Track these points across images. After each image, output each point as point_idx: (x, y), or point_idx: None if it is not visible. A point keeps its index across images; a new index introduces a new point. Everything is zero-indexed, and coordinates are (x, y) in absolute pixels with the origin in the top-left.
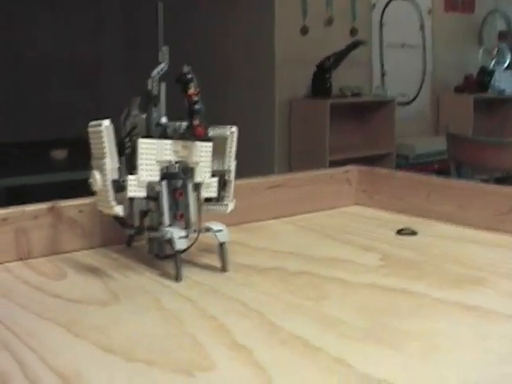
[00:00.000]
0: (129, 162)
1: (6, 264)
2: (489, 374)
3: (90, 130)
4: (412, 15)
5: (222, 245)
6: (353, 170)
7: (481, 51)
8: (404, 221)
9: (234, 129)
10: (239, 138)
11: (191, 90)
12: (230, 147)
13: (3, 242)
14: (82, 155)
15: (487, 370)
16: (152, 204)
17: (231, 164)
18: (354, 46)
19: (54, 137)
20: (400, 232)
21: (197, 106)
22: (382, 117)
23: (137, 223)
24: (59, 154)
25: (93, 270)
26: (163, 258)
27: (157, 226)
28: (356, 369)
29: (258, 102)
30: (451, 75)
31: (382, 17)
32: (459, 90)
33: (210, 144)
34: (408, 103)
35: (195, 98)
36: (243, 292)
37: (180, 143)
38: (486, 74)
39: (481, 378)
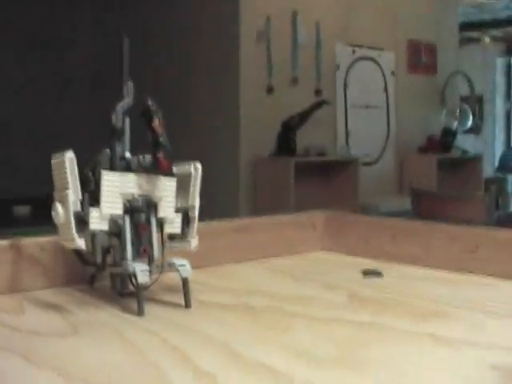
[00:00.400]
0: (92, 197)
1: None
2: None
3: (53, 161)
4: (376, 76)
5: (184, 280)
6: (318, 214)
7: (444, 112)
8: (371, 264)
9: (199, 165)
10: (202, 196)
11: (155, 123)
12: (194, 184)
13: None
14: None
15: None
16: (114, 240)
17: (195, 201)
18: (319, 105)
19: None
20: (366, 273)
21: (161, 139)
22: (346, 176)
23: (99, 259)
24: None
25: (52, 307)
26: (126, 295)
27: (119, 262)
28: None
29: (222, 160)
30: (414, 136)
31: (346, 77)
32: (423, 150)
33: (174, 179)
34: (372, 163)
35: (160, 131)
36: (207, 325)
37: (144, 177)
38: (449, 135)
39: None
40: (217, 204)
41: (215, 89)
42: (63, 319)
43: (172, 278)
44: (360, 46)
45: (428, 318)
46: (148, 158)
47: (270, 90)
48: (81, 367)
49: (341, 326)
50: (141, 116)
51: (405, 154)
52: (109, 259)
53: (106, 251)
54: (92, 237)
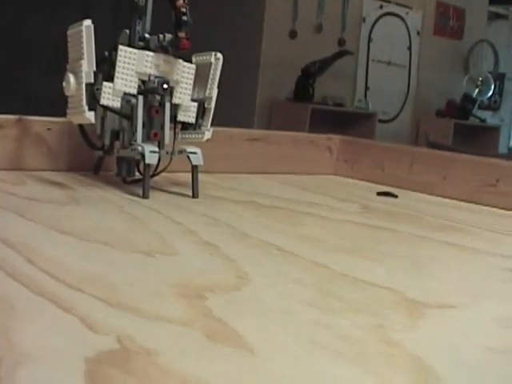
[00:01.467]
0: (106, 76)
1: None
2: (472, 287)
3: (69, 32)
4: (401, 34)
5: (194, 168)
6: (335, 138)
7: (466, 78)
8: (386, 189)
9: (220, 55)
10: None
11: (180, 2)
12: (214, 74)
13: None
14: None
15: (471, 286)
16: (125, 123)
17: (213, 91)
18: (341, 55)
19: None
20: (380, 194)
21: (184, 18)
22: (362, 130)
23: (107, 141)
24: None
25: (54, 183)
26: (131, 182)
27: (128, 146)
28: (335, 270)
29: (238, 100)
30: (434, 98)
31: (371, 32)
32: (441, 114)
33: (193, 66)
34: (388, 121)
35: (183, 10)
36: (214, 211)
37: (162, 57)
38: (468, 102)
39: (465, 287)
40: None
41: (239, 30)
42: (64, 192)
43: (183, 176)
44: (388, 2)
45: (445, 230)
46: (169, 36)
47: (293, 35)
48: (76, 226)
49: (353, 226)
50: None
51: (422, 116)
52: (117, 144)
53: (115, 135)
54: (102, 118)
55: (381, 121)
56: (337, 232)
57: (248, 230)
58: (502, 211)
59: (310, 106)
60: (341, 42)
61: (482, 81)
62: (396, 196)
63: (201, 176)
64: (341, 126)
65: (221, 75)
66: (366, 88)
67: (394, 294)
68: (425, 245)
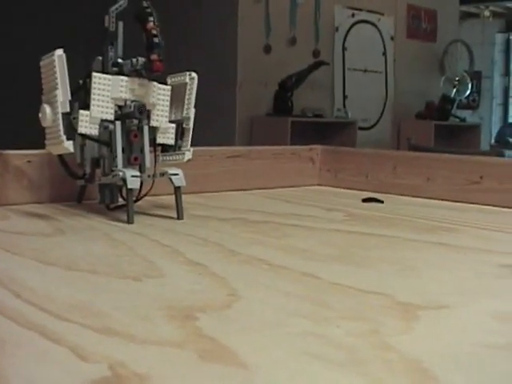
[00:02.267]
0: (82, 105)
1: None
2: (465, 285)
3: (42, 62)
4: (375, 40)
5: (177, 189)
6: (316, 148)
7: (443, 79)
8: (370, 196)
9: (194, 75)
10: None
11: (150, 24)
12: (190, 94)
13: None
14: None
15: (464, 284)
16: (104, 150)
17: (190, 111)
18: (316, 66)
19: None
20: (366, 200)
21: (156, 40)
22: (344, 139)
23: (88, 169)
24: None
25: (38, 215)
26: (114, 209)
27: (109, 173)
28: (325, 280)
29: (219, 119)
30: (413, 102)
31: (344, 40)
32: (420, 116)
33: (169, 87)
34: (369, 128)
35: (154, 32)
36: (201, 231)
37: (136, 81)
38: (447, 102)
39: (459, 286)
40: None
41: (213, 48)
42: (49, 224)
43: (166, 199)
44: (359, 9)
45: (434, 231)
46: (142, 60)
47: (267, 49)
48: (62, 257)
49: (340, 234)
50: (135, 17)
51: (402, 120)
52: (98, 172)
53: (96, 162)
54: (81, 147)
55: (361, 128)
56: (324, 241)
57: (236, 246)
58: (488, 207)
59: (290, 119)
60: (315, 53)
61: (458, 80)
62: (382, 201)
63: (184, 197)
64: (322, 136)
65: (198, 94)
66: (344, 97)
67: (386, 298)
68: (414, 247)
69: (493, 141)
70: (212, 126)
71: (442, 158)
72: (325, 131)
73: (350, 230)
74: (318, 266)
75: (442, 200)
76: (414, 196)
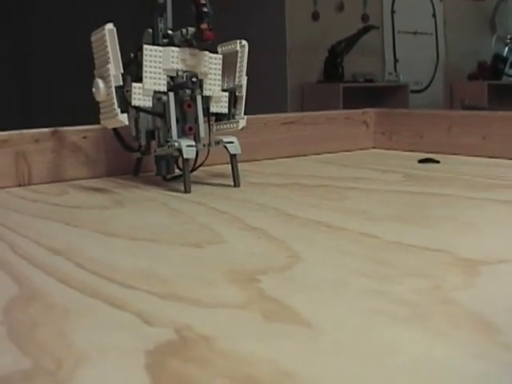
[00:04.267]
0: (134, 78)
1: (5, 189)
2: None
3: (93, 37)
4: (423, 2)
5: (232, 157)
6: (370, 112)
7: (494, 38)
8: (426, 156)
9: (245, 42)
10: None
11: None
12: (241, 62)
13: (1, 166)
14: None
15: None
16: (158, 122)
17: (242, 79)
18: (366, 30)
19: None
20: (422, 161)
21: (204, 9)
22: (396, 102)
23: (143, 141)
24: None
25: (97, 189)
26: (171, 180)
27: (165, 144)
28: (385, 239)
29: (270, 86)
30: (464, 62)
31: (393, 3)
32: (473, 77)
33: (220, 56)
34: (421, 91)
35: (202, 1)
36: (258, 197)
37: (187, 51)
38: (499, 61)
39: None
40: None
41: (262, 16)
42: (107, 197)
43: (222, 168)
44: None
45: (492, 189)
46: (191, 30)
47: (315, 16)
48: (122, 227)
49: (398, 194)
50: None
51: (454, 81)
52: (153, 144)
53: (151, 135)
54: (135, 120)
55: (413, 91)
56: (382, 202)
57: (294, 210)
58: None
59: (342, 86)
60: (364, 18)
61: (510, 39)
62: (438, 161)
63: (240, 165)
64: (374, 101)
65: (248, 62)
66: (395, 60)
67: (447, 255)
68: (473, 205)
69: None
70: (263, 94)
71: (497, 116)
72: (377, 96)
73: (407, 191)
74: (377, 226)
75: (499, 158)
76: (470, 155)
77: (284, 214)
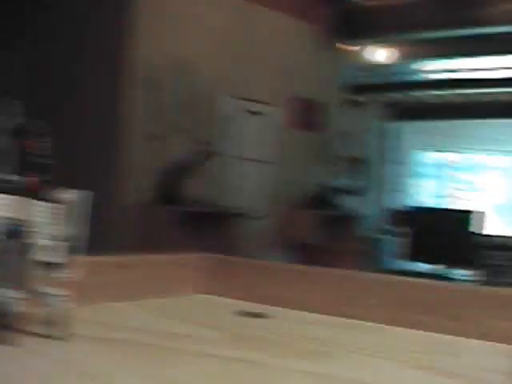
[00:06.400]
0: None
1: None
2: None
3: None
4: (263, 130)
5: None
6: (203, 257)
7: (324, 169)
8: (251, 306)
9: (86, 193)
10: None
11: (28, 143)
12: (79, 212)
13: None
14: None
15: None
16: None
17: (77, 230)
18: (204, 156)
19: None
20: (243, 314)
21: (35, 159)
22: (231, 229)
23: None
24: None
25: None
26: None
27: None
28: None
29: (100, 206)
30: (296, 192)
31: (233, 130)
32: (303, 206)
33: (49, 204)
34: (257, 218)
35: (33, 151)
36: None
37: (13, 198)
38: (327, 192)
39: None
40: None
41: (98, 135)
42: None
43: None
44: (247, 100)
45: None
46: (16, 178)
47: (153, 137)
48: None
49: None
50: (13, 135)
51: (287, 210)
52: None
53: None
54: None
55: (249, 218)
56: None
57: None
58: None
59: (177, 209)
60: (203, 142)
61: (338, 170)
62: (265, 316)
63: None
64: (210, 226)
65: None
66: (233, 187)
67: None
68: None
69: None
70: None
71: (322, 272)
72: (214, 221)
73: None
74: None
75: (321, 314)
76: (297, 308)
77: None
